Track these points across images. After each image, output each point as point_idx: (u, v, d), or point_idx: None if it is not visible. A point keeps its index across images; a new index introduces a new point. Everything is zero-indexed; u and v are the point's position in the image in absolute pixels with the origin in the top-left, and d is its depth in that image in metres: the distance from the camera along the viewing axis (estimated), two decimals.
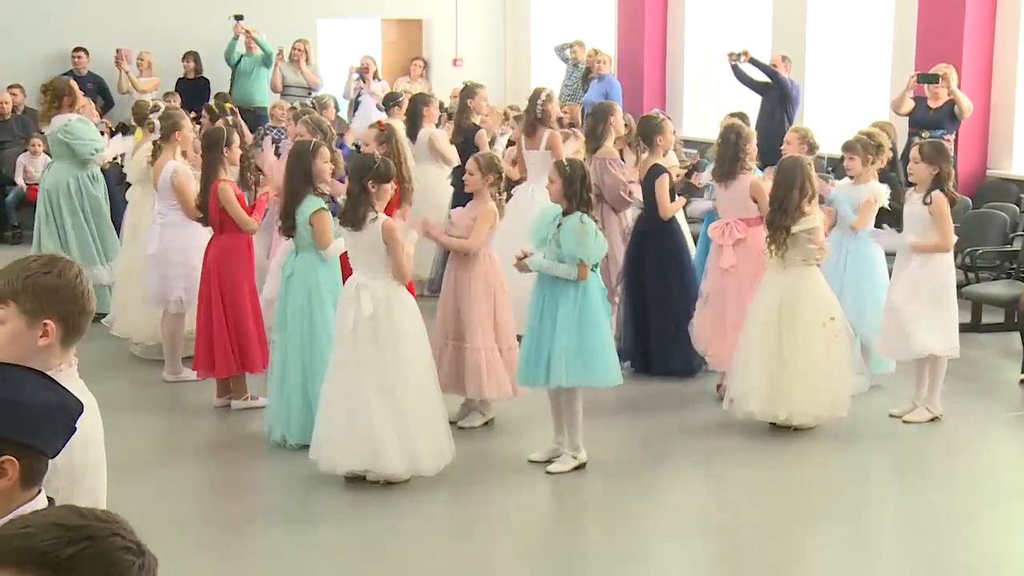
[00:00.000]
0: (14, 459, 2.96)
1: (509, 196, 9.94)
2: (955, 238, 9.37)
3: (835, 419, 9.13)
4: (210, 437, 9.49)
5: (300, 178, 8.73)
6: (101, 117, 13.91)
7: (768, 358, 9.01)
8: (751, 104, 14.86)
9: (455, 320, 9.12)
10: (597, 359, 8.32)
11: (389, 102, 14.53)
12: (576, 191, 8.25)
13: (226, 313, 9.56)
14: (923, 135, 11.77)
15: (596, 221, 8.40)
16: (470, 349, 9.05)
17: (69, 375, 3.60)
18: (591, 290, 8.35)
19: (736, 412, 9.17)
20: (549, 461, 8.50)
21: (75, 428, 3.16)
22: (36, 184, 13.99)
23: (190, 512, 8.17)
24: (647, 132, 10.68)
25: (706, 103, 18.77)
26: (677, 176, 10.73)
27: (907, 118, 13.23)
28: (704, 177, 10.60)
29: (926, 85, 12.84)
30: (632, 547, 7.43)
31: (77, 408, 3.16)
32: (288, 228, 8.80)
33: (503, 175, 9.25)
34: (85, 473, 3.61)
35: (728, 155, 9.93)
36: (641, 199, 10.75)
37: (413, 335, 8.14)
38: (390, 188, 8.17)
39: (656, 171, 10.32)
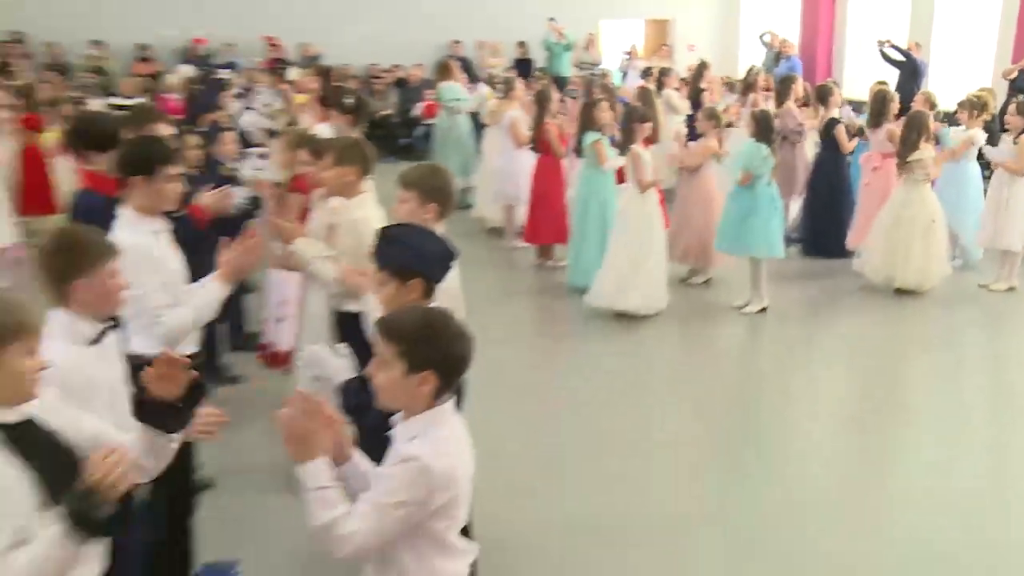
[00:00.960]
0: (421, 280, 3.22)
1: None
2: None
3: (926, 286, 8.95)
4: (530, 285, 9.60)
5: (587, 120, 8.85)
6: (467, 84, 14.19)
7: (885, 239, 8.94)
8: (891, 75, 14.25)
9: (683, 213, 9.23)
10: (757, 238, 8.29)
11: (645, 73, 14.47)
12: (762, 130, 8.27)
13: (546, 204, 9.72)
14: (1019, 97, 11.15)
15: (774, 152, 8.35)
16: (686, 233, 9.14)
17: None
18: (759, 192, 8.25)
19: (862, 270, 9.23)
20: (745, 305, 8.59)
21: (451, 267, 3.40)
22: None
23: (524, 332, 8.39)
24: (823, 95, 10.47)
25: (859, 75, 18.02)
26: (846, 122, 10.46)
27: (1009, 83, 12.75)
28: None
29: None
30: (796, 371, 7.39)
31: (454, 255, 3.40)
32: (579, 151, 8.99)
33: (721, 122, 9.24)
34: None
35: (876, 110, 9.72)
36: (800, 136, 10.56)
37: (647, 220, 8.14)
38: (647, 127, 8.25)
39: (833, 122, 10.11)
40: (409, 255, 3.22)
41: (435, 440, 2.51)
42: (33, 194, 10.14)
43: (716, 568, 4.61)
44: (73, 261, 2.98)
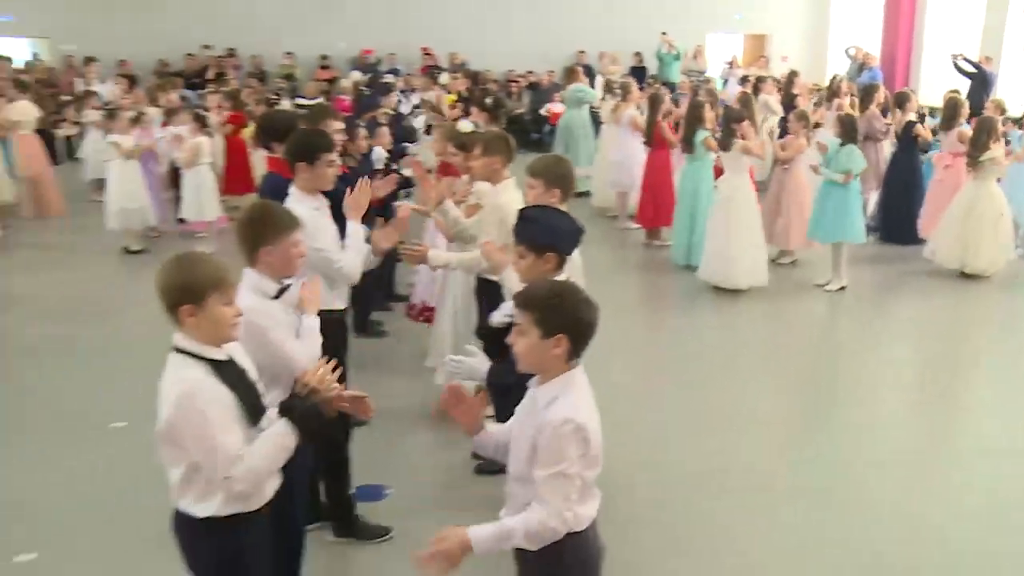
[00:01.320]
0: (555, 253, 3.09)
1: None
2: None
3: (990, 271, 8.44)
4: (639, 260, 9.34)
5: (695, 120, 8.56)
6: (590, 86, 13.86)
7: (957, 229, 8.43)
8: (963, 85, 13.38)
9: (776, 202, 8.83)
10: (846, 226, 7.94)
11: (744, 80, 13.94)
12: (847, 132, 7.91)
13: (656, 191, 9.48)
14: None
15: (860, 150, 7.98)
16: (788, 221, 8.73)
17: None
18: (851, 186, 7.90)
19: (932, 256, 8.70)
20: (826, 284, 8.21)
21: (580, 241, 3.25)
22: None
23: (633, 305, 8.06)
24: (901, 101, 9.88)
25: (934, 84, 17.03)
26: (924, 126, 9.86)
27: None
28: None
29: None
30: (868, 353, 6.76)
31: (583, 231, 3.23)
32: (687, 147, 8.65)
33: (810, 123, 8.81)
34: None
35: (948, 115, 9.20)
36: (885, 136, 9.97)
37: (747, 207, 7.81)
38: (746, 125, 7.90)
39: (911, 124, 9.56)
40: (544, 231, 3.11)
41: (576, 401, 2.39)
42: (235, 177, 10.44)
43: (797, 544, 4.24)
44: (262, 231, 3.01)
